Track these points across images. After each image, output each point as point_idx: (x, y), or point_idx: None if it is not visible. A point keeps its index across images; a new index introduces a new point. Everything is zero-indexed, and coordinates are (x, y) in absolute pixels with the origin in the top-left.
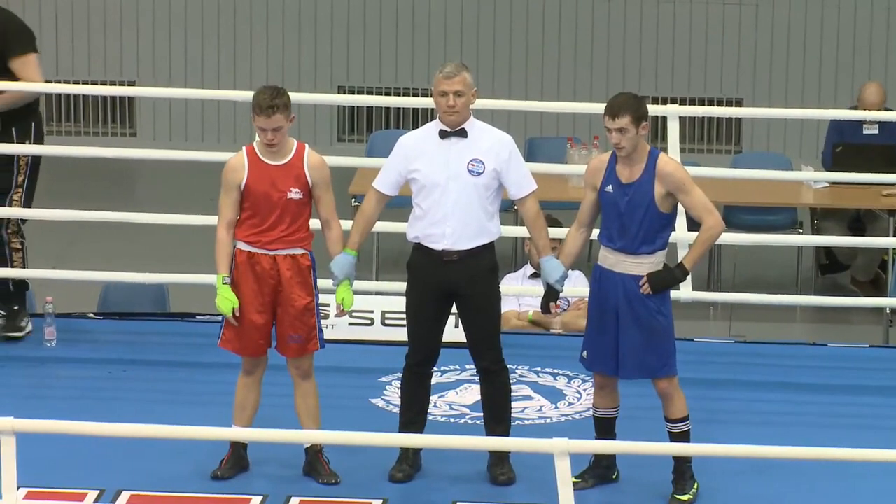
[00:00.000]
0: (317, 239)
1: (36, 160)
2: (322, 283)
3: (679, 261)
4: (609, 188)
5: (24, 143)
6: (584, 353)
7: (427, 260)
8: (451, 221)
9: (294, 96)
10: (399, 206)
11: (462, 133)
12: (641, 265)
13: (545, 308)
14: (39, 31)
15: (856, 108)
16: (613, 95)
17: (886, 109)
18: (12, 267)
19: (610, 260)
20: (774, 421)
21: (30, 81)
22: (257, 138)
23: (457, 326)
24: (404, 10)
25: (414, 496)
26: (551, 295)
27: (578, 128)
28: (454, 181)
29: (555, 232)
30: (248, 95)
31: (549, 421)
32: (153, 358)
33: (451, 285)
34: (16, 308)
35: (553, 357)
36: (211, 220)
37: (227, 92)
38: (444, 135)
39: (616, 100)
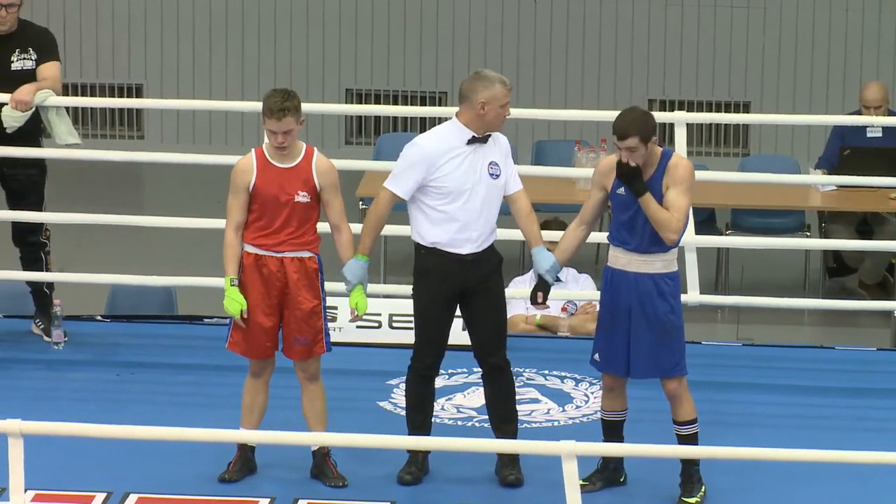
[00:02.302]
0: (324, 242)
1: None
2: (329, 286)
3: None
4: (621, 190)
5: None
6: (596, 356)
7: (445, 264)
8: (478, 225)
9: (303, 106)
10: (405, 209)
11: (485, 138)
12: (654, 263)
13: (533, 298)
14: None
15: (860, 111)
16: (621, 113)
17: (890, 111)
18: (48, 270)
19: (622, 260)
20: (782, 424)
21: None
22: (266, 140)
23: (464, 329)
24: (412, 13)
25: (422, 498)
26: (542, 286)
27: (586, 131)
28: (479, 186)
29: (560, 235)
30: (256, 106)
31: (556, 424)
32: (161, 360)
33: (466, 285)
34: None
35: (561, 360)
36: (219, 223)
37: (235, 103)
38: (472, 141)
39: (623, 121)
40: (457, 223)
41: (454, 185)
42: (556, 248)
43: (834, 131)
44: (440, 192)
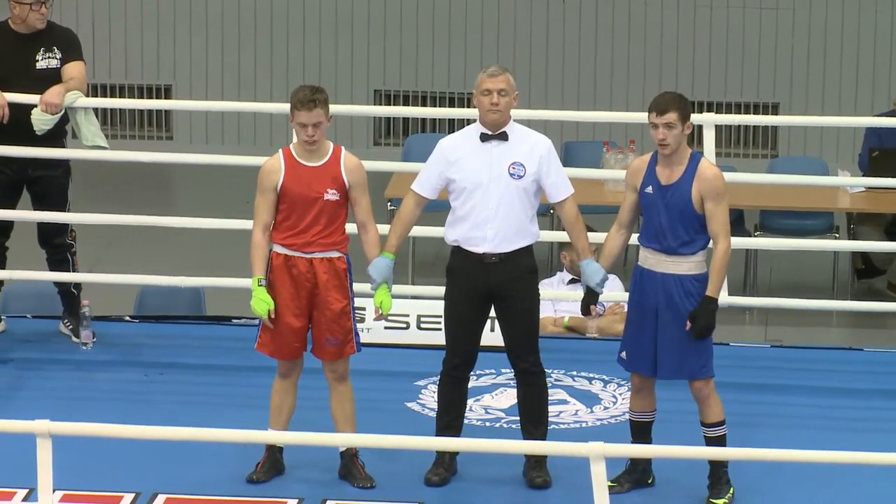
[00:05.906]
0: (353, 242)
1: None
2: (358, 286)
3: (705, 294)
4: (649, 189)
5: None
6: (623, 354)
7: (467, 263)
8: (493, 224)
9: (331, 108)
10: (435, 209)
11: (503, 136)
12: (681, 265)
13: (585, 310)
14: (77, 34)
15: (893, 112)
16: (658, 94)
17: None
18: (75, 271)
19: (650, 260)
20: (810, 425)
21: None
22: (294, 140)
23: (493, 330)
24: (440, 14)
25: (450, 500)
26: (591, 297)
27: (615, 132)
28: (496, 184)
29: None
30: (284, 107)
31: (584, 425)
32: (189, 361)
33: (492, 288)
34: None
35: (589, 361)
36: (247, 223)
37: (264, 104)
38: (484, 138)
39: (662, 97)
40: (471, 220)
41: (467, 181)
42: (599, 256)
43: (869, 132)
44: (456, 189)
